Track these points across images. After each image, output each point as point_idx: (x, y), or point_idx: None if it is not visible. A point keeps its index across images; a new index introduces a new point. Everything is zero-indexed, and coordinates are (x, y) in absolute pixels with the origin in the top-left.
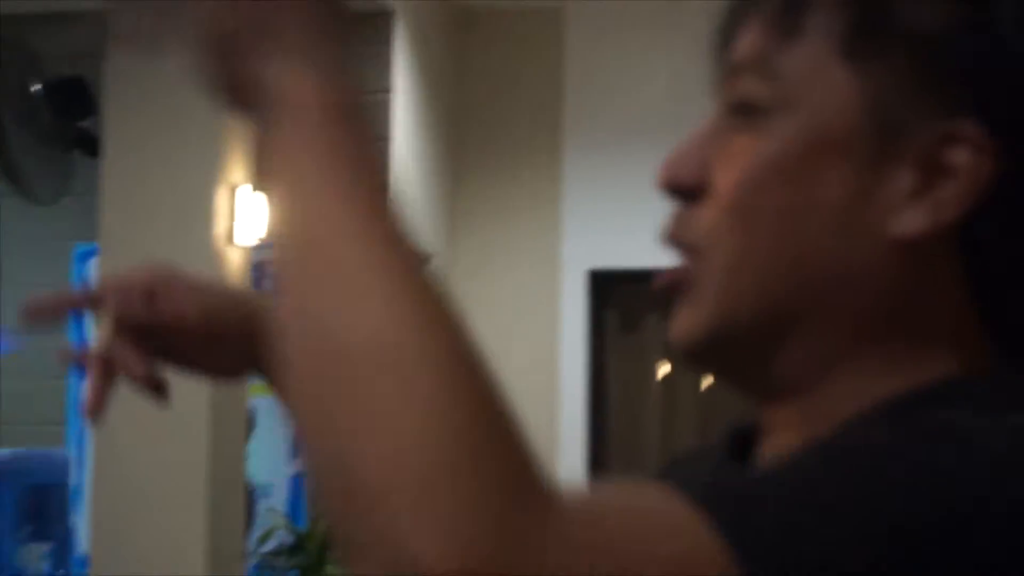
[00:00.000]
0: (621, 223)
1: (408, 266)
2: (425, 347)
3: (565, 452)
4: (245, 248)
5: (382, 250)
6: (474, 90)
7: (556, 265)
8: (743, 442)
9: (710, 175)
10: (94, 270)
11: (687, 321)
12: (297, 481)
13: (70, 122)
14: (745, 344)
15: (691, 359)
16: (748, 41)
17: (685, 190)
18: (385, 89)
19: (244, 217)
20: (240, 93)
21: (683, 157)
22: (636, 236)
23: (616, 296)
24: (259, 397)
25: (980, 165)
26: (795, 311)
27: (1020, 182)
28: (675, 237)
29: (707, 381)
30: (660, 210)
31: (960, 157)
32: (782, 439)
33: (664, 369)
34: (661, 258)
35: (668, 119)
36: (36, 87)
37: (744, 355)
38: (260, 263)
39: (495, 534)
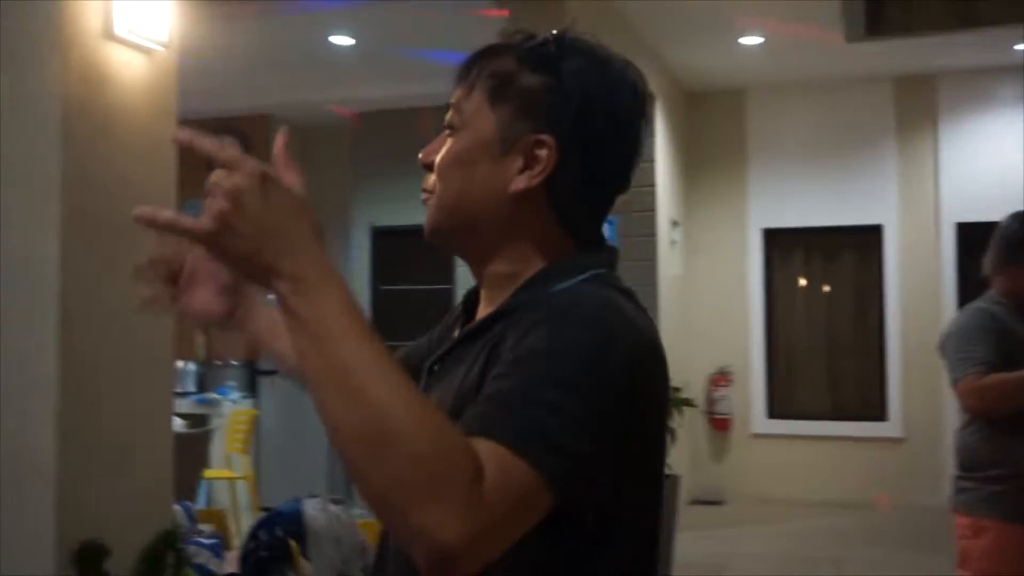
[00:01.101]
0: (783, 207)
1: (389, 371)
2: (400, 418)
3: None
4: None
5: (374, 364)
6: (697, 135)
7: (744, 225)
8: (473, 300)
9: (434, 158)
10: None
11: (427, 223)
12: None
13: None
14: (450, 238)
15: (433, 242)
16: (456, 93)
17: (427, 165)
18: (650, 158)
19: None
20: (263, 279)
21: (427, 149)
22: (791, 209)
23: (780, 245)
24: None
25: (551, 154)
26: (468, 226)
27: (566, 164)
28: (426, 188)
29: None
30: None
31: (542, 151)
32: (483, 305)
33: (809, 287)
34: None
35: (799, 144)
36: None
37: (453, 243)
38: None
39: (448, 516)
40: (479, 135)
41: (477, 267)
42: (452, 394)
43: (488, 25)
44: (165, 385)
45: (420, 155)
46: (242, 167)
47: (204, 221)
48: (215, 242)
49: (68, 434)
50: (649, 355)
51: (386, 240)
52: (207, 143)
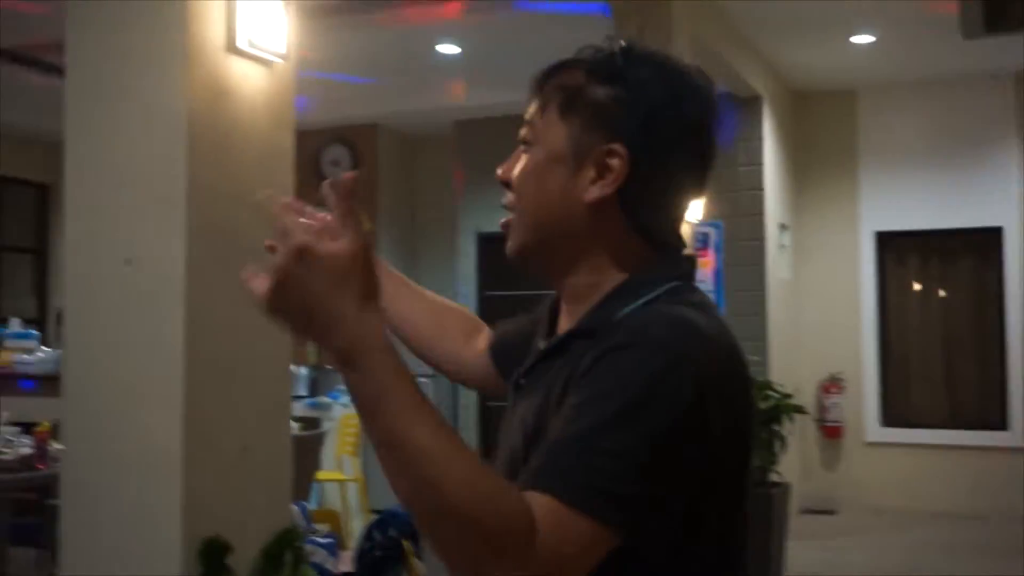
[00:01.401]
0: (896, 209)
1: (437, 441)
2: (460, 488)
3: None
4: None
5: (422, 437)
6: (806, 137)
7: (855, 229)
8: (554, 311)
9: (512, 175)
10: None
11: (510, 246)
12: None
13: None
14: (532, 254)
15: (516, 264)
16: (530, 109)
17: (505, 181)
18: (758, 161)
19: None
20: (326, 349)
21: (505, 166)
22: (905, 211)
23: (894, 249)
24: None
25: (622, 164)
26: (548, 240)
27: (637, 172)
28: (505, 204)
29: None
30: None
31: (614, 160)
32: (564, 318)
33: (924, 293)
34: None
35: (913, 144)
36: None
37: (534, 261)
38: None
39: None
40: (552, 149)
41: (557, 280)
42: (533, 414)
43: (593, 30)
44: (284, 388)
45: (498, 172)
46: (285, 241)
47: (261, 298)
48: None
49: (193, 435)
50: (727, 372)
51: (492, 246)
52: (276, 208)
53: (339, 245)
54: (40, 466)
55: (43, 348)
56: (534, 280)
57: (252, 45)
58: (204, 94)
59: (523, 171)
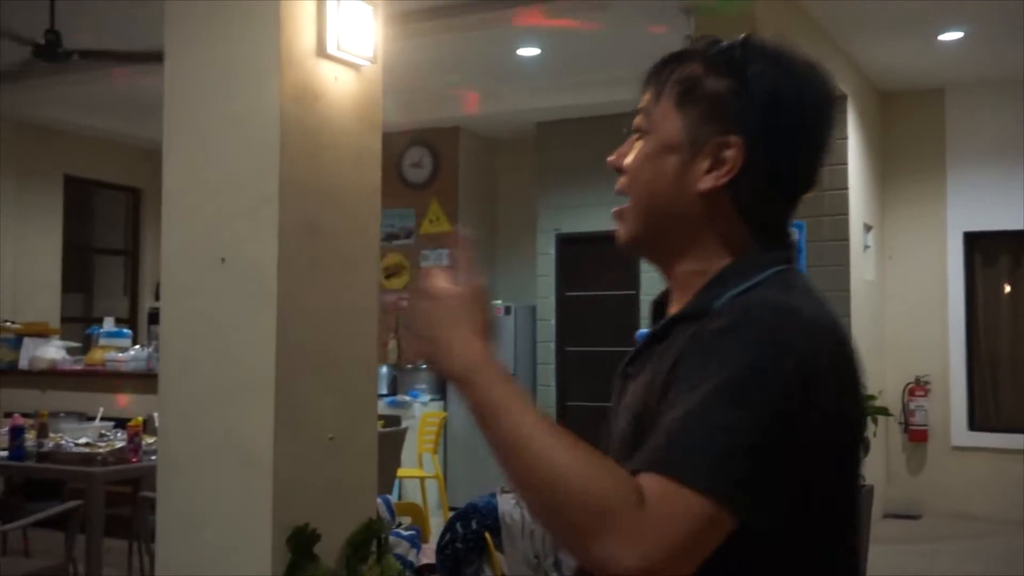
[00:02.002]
0: (985, 209)
1: (546, 434)
2: (569, 474)
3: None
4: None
5: (534, 433)
6: (892, 136)
7: (943, 229)
8: (662, 304)
9: (624, 161)
10: None
11: (623, 233)
12: None
13: None
14: (645, 242)
15: (627, 251)
16: (643, 98)
17: (617, 167)
18: (842, 160)
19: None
20: (447, 370)
21: (618, 152)
22: (994, 211)
23: (983, 249)
24: None
25: (737, 155)
26: (660, 227)
27: (751, 164)
28: (618, 190)
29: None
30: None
31: (729, 152)
32: (673, 306)
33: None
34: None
35: (1003, 143)
36: None
37: (645, 247)
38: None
39: (614, 545)
40: (667, 138)
41: (667, 268)
42: (639, 397)
43: (670, 33)
44: (370, 382)
45: (611, 158)
46: (418, 291)
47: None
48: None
49: (283, 428)
50: (831, 356)
51: (571, 246)
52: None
53: (459, 288)
54: (133, 459)
55: (135, 347)
56: (614, 281)
57: (341, 49)
58: (295, 97)
59: (637, 158)
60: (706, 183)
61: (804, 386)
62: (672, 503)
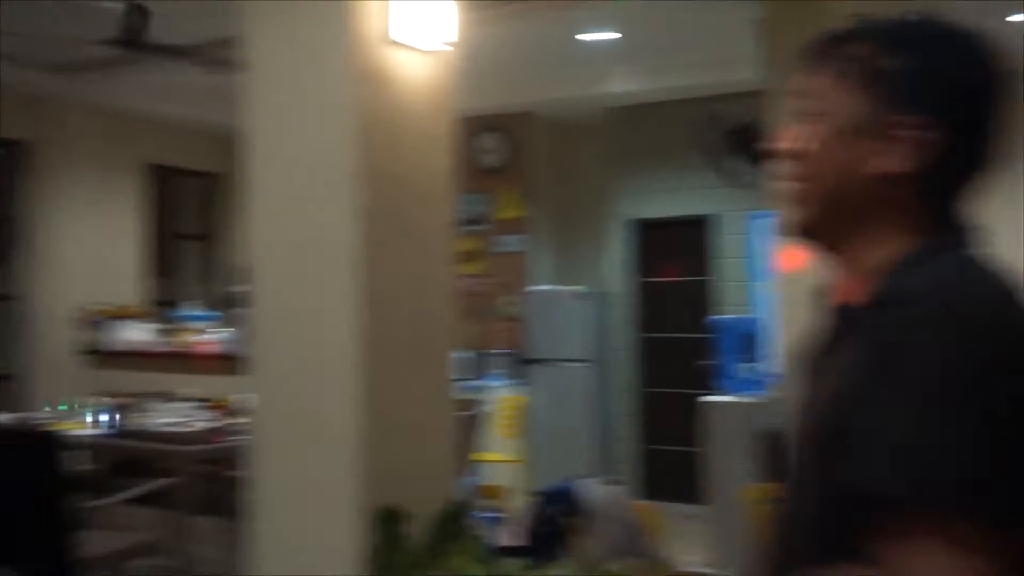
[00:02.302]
0: None
1: None
2: None
3: None
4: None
5: None
6: None
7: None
8: (824, 292)
9: (791, 146)
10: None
11: (797, 218)
12: None
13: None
14: (820, 227)
15: (800, 237)
16: (808, 79)
17: (783, 152)
18: None
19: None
20: None
21: (783, 136)
22: None
23: None
24: None
25: (914, 136)
26: (834, 211)
27: (930, 144)
28: (785, 177)
29: None
30: None
31: (905, 132)
32: (839, 293)
33: None
34: None
35: None
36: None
37: (820, 233)
38: None
39: None
40: (840, 120)
41: (840, 254)
42: (830, 393)
43: (743, 16)
44: (446, 368)
45: (776, 143)
46: None
47: None
48: None
49: (368, 411)
50: (1019, 343)
51: (644, 232)
52: None
53: None
54: (217, 440)
55: (219, 329)
56: (687, 267)
57: (413, 35)
58: (366, 84)
59: (809, 142)
60: (882, 165)
61: (997, 375)
62: (927, 541)
